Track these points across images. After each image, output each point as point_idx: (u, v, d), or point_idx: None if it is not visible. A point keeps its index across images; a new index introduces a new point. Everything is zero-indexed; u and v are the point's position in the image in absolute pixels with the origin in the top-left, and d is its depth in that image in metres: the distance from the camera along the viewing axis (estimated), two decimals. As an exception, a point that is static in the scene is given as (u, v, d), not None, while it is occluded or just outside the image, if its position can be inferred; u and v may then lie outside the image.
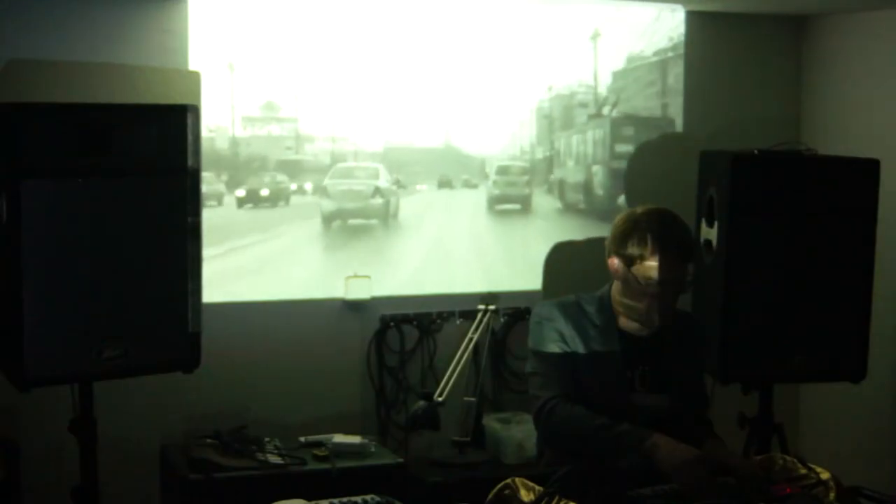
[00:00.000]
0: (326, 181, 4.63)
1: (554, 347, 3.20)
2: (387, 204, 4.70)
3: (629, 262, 3.15)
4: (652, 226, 3.14)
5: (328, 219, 4.60)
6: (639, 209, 3.22)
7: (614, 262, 3.21)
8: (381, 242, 4.67)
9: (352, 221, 4.65)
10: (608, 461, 3.01)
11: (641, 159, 4.92)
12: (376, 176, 4.73)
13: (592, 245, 4.64)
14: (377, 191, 4.70)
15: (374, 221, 4.67)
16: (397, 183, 4.69)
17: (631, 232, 3.16)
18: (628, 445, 2.98)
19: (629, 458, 2.98)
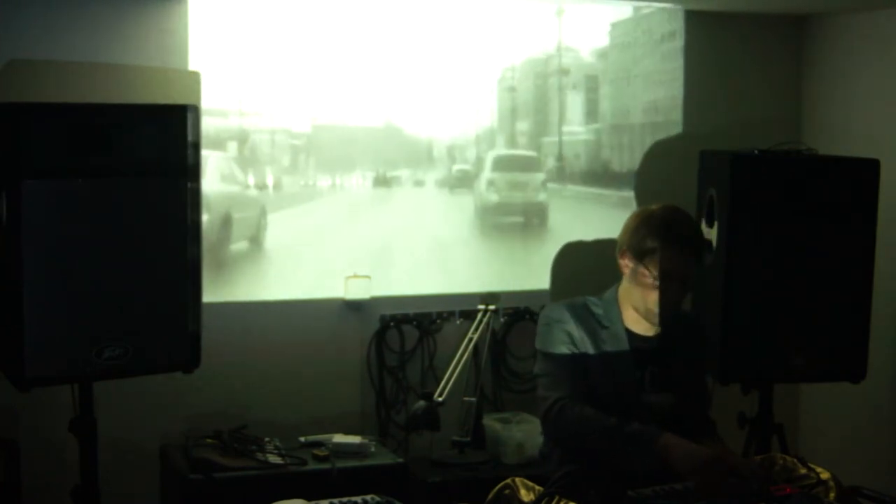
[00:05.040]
0: None
1: (563, 349, 3.22)
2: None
3: (641, 255, 3.18)
4: (666, 220, 3.19)
5: None
6: (653, 206, 3.26)
7: (625, 256, 3.23)
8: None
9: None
10: (618, 461, 3.01)
11: (646, 158, 4.91)
12: None
13: (600, 246, 4.64)
14: None
15: None
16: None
17: (645, 225, 3.19)
18: (640, 445, 2.98)
19: (641, 458, 2.98)
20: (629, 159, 4.63)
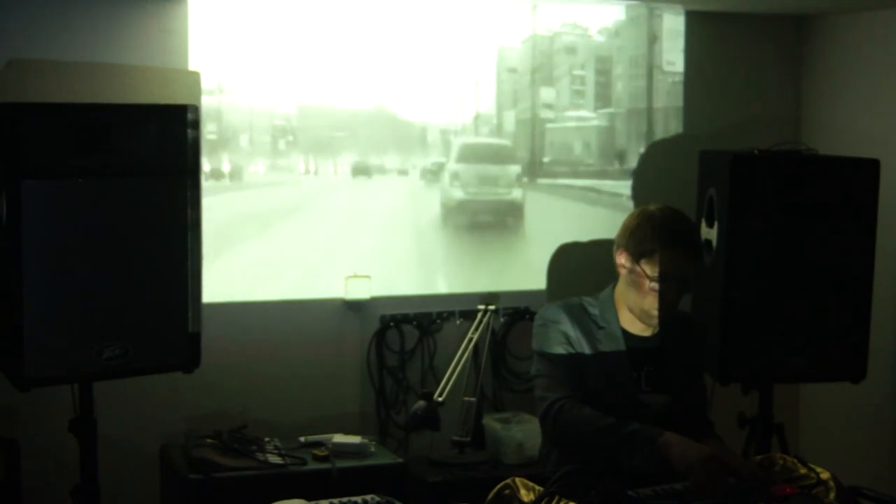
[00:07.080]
0: None
1: (560, 349, 3.22)
2: None
3: (638, 255, 3.18)
4: (664, 220, 3.19)
5: None
6: (651, 206, 3.26)
7: (622, 255, 3.23)
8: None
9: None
10: (618, 460, 3.02)
11: (645, 159, 4.91)
12: None
13: (597, 247, 4.64)
14: None
15: None
16: None
17: (643, 226, 3.20)
18: (639, 444, 2.98)
19: (641, 457, 2.98)
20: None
